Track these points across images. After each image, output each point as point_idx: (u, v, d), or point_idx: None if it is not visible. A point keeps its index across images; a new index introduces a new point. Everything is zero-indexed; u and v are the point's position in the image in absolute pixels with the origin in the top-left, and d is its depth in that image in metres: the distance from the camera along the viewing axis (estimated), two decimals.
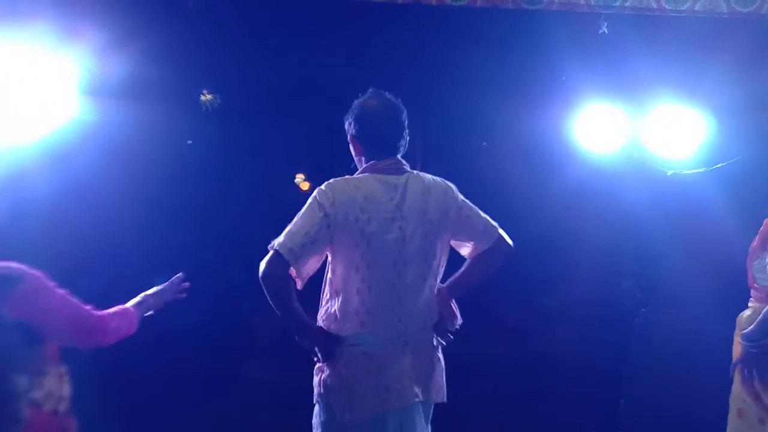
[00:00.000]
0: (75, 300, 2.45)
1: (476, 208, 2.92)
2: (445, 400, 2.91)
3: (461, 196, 2.91)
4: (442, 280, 2.95)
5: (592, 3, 3.74)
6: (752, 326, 3.10)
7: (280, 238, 2.68)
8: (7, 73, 3.52)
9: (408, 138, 2.89)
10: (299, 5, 4.17)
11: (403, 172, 2.83)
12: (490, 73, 4.54)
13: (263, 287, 2.69)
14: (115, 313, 2.64)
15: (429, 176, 2.89)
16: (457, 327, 2.94)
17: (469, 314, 3.00)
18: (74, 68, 3.75)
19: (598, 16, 3.92)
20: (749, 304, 3.28)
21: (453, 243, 2.94)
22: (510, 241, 2.95)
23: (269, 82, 4.71)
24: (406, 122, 2.87)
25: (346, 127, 2.92)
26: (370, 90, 2.90)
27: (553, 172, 4.98)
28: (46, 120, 3.66)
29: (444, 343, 2.92)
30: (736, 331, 3.31)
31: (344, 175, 2.88)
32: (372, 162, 2.83)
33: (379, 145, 2.84)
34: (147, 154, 4.50)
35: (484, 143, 5.53)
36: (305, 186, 5.73)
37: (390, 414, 2.73)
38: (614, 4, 3.76)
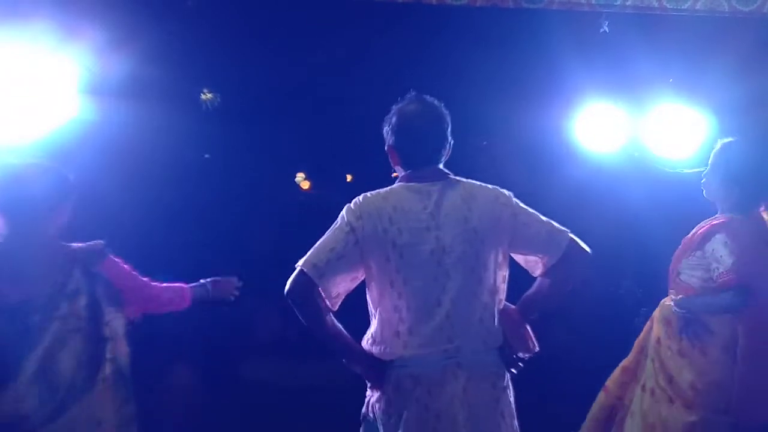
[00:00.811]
0: (135, 272, 3.01)
1: (537, 214, 2.62)
2: None
3: (517, 202, 2.63)
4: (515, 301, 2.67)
5: (593, 2, 3.74)
6: (695, 296, 3.23)
7: (306, 256, 2.53)
8: (7, 73, 3.52)
9: (451, 145, 2.68)
10: (299, 5, 4.17)
11: (441, 178, 2.60)
12: (490, 73, 4.54)
13: (293, 307, 2.55)
14: (169, 287, 3.18)
15: (476, 182, 2.64)
16: (531, 354, 2.64)
17: None
18: (74, 68, 3.75)
19: (599, 15, 3.92)
20: (671, 295, 3.37)
21: (521, 260, 2.67)
22: (586, 248, 2.63)
23: (269, 82, 4.71)
24: (449, 128, 2.66)
25: (384, 135, 2.70)
26: (410, 94, 2.69)
27: (554, 172, 4.98)
28: (46, 119, 3.66)
29: (514, 371, 2.63)
30: (656, 315, 3.42)
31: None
32: (408, 172, 2.63)
33: (417, 155, 2.62)
34: (147, 154, 4.49)
35: (485, 143, 5.53)
36: (305, 185, 5.73)
37: None
38: (615, 3, 3.76)
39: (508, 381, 2.62)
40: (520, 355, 2.62)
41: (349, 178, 6.15)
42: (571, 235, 2.62)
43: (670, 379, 3.27)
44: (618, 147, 4.85)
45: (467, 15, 3.99)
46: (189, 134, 4.68)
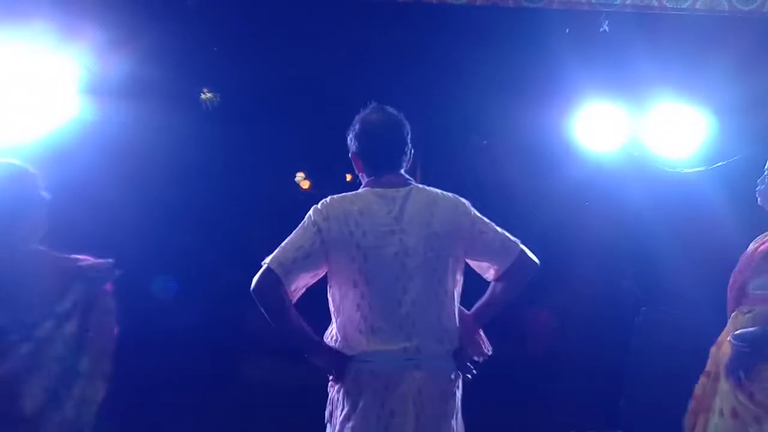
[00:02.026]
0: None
1: (493, 224, 2.76)
2: None
3: (475, 212, 2.76)
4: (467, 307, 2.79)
5: (593, 1, 3.74)
6: (752, 329, 2.99)
7: (273, 254, 2.62)
8: (8, 73, 3.52)
9: (412, 152, 2.80)
10: (299, 5, 4.17)
11: (404, 185, 2.72)
12: (490, 72, 4.54)
13: (257, 303, 2.62)
14: None
15: (438, 190, 2.76)
16: (484, 358, 2.77)
17: None
18: (74, 67, 3.75)
19: (599, 14, 3.92)
20: (744, 309, 3.13)
21: (473, 264, 2.79)
22: (534, 258, 2.77)
23: (269, 82, 4.71)
24: (409, 136, 2.78)
25: (348, 143, 2.83)
26: (371, 104, 2.81)
27: (554, 171, 4.98)
28: (46, 119, 3.66)
29: (467, 375, 2.74)
30: (730, 328, 3.16)
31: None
32: (372, 178, 2.75)
33: (379, 161, 2.75)
34: (147, 154, 4.49)
35: (485, 142, 5.53)
36: (305, 184, 5.73)
37: None
38: (615, 3, 3.76)
39: (459, 384, 2.72)
40: (475, 358, 2.75)
41: (348, 178, 6.15)
42: (522, 246, 2.76)
43: (751, 395, 3.00)
44: (618, 147, 4.85)
45: (467, 14, 3.99)
46: (189, 134, 4.68)
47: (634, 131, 4.80)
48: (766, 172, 3.21)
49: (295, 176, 5.83)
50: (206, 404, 4.73)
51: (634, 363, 5.07)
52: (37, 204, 2.67)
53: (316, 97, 4.93)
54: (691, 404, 3.34)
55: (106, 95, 4.11)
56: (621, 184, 4.98)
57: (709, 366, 3.25)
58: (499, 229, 2.76)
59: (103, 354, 2.63)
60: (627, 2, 3.75)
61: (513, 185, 5.02)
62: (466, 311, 2.78)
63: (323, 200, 2.72)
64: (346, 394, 2.64)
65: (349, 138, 2.82)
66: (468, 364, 2.74)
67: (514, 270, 2.74)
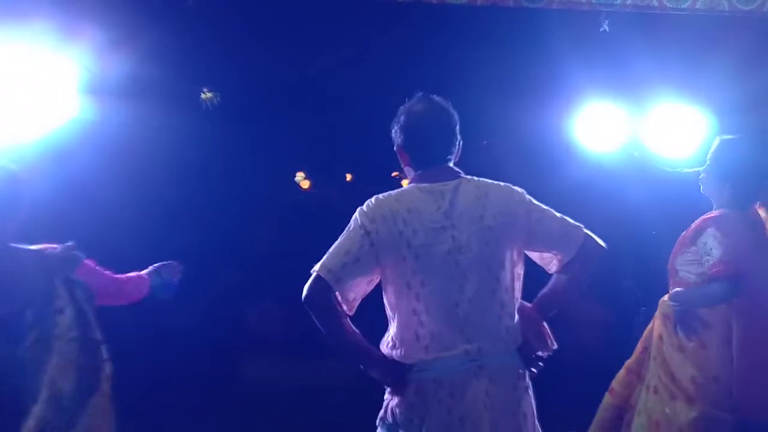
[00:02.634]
0: (100, 268, 2.98)
1: (551, 210, 2.60)
2: None
3: (531, 199, 2.60)
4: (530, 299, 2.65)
5: (593, 1, 3.74)
6: (687, 290, 3.27)
7: (321, 260, 2.48)
8: (8, 73, 3.52)
9: (461, 143, 2.64)
10: (299, 5, 4.17)
11: (453, 178, 2.57)
12: (490, 72, 4.53)
13: (310, 313, 2.49)
14: (130, 278, 3.15)
15: (489, 180, 2.61)
16: (550, 353, 2.62)
17: None
18: (74, 67, 3.75)
19: (599, 14, 3.92)
20: (669, 291, 3.40)
21: (535, 257, 2.65)
22: (601, 243, 2.63)
23: (269, 82, 4.71)
24: (458, 126, 2.62)
25: (392, 136, 2.66)
26: (417, 94, 2.66)
27: (554, 171, 4.98)
28: (46, 119, 3.66)
29: (533, 370, 2.59)
30: (657, 314, 3.44)
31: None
32: (419, 172, 2.60)
33: (426, 154, 2.59)
34: (147, 154, 4.49)
35: (485, 142, 5.53)
36: (305, 184, 5.72)
37: None
38: (615, 2, 3.76)
39: (528, 381, 2.58)
40: (540, 353, 2.60)
41: (348, 177, 6.15)
42: (586, 231, 2.62)
43: (672, 376, 3.28)
44: (618, 146, 4.84)
45: (467, 14, 3.99)
46: (189, 134, 4.68)
47: (634, 131, 4.80)
48: (707, 163, 3.40)
49: (295, 176, 5.83)
50: (206, 404, 4.73)
51: None
52: (24, 205, 2.78)
53: (316, 97, 4.93)
54: (623, 375, 3.57)
55: (106, 95, 4.11)
56: (621, 184, 4.98)
57: (644, 341, 3.53)
58: (558, 215, 2.60)
59: (95, 338, 2.77)
60: (627, 2, 3.75)
61: (513, 185, 5.01)
62: (527, 304, 2.63)
63: (368, 201, 2.55)
64: (409, 406, 2.48)
65: (393, 130, 2.66)
66: (533, 359, 2.58)
67: (580, 259, 2.59)
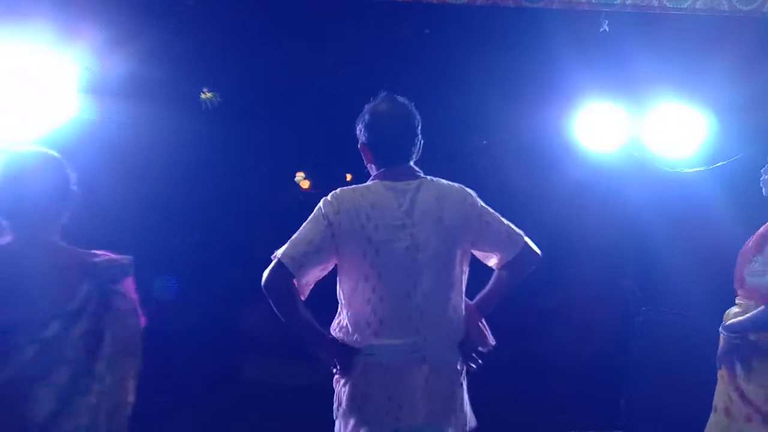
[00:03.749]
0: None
1: (498, 215, 2.77)
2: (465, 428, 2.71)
3: (482, 203, 2.76)
4: (469, 298, 2.80)
5: (593, 1, 3.74)
6: (739, 318, 3.12)
7: (283, 247, 2.59)
8: (7, 73, 3.52)
9: (421, 143, 2.76)
10: (299, 5, 4.17)
11: (414, 177, 2.70)
12: (490, 72, 4.54)
13: (267, 297, 2.60)
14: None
15: (446, 182, 2.75)
16: (488, 349, 2.75)
17: None
18: (74, 67, 3.75)
19: (599, 14, 3.92)
20: (737, 302, 3.27)
21: (477, 254, 2.80)
22: (537, 249, 2.80)
23: (269, 82, 4.71)
24: (419, 127, 2.74)
25: (357, 133, 2.79)
26: (381, 94, 2.77)
27: (554, 171, 4.98)
28: (45, 119, 3.65)
29: (472, 365, 2.74)
30: (722, 328, 3.28)
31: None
32: (382, 170, 2.71)
33: (389, 152, 2.71)
34: (147, 154, 4.49)
35: (485, 142, 5.53)
36: (305, 184, 5.73)
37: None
38: (615, 2, 3.76)
39: (464, 375, 2.73)
40: (480, 349, 2.74)
41: (349, 177, 6.15)
42: (526, 238, 2.79)
43: (742, 394, 3.11)
44: (618, 146, 4.85)
45: (467, 14, 3.99)
46: (189, 134, 4.68)
47: (634, 131, 4.80)
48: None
49: (295, 176, 5.83)
50: (206, 404, 4.73)
51: (634, 363, 5.07)
52: (66, 197, 2.53)
53: (316, 97, 4.93)
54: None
55: (106, 95, 4.10)
56: (621, 184, 4.98)
57: None
58: (504, 220, 2.77)
59: (124, 355, 2.44)
60: (627, 2, 3.75)
61: (513, 185, 5.02)
62: (468, 301, 2.77)
63: (333, 192, 2.67)
64: (354, 387, 2.63)
65: (358, 128, 2.78)
66: (473, 354, 2.73)
67: (518, 261, 2.77)
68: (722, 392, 3.21)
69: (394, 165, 2.70)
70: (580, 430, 4.95)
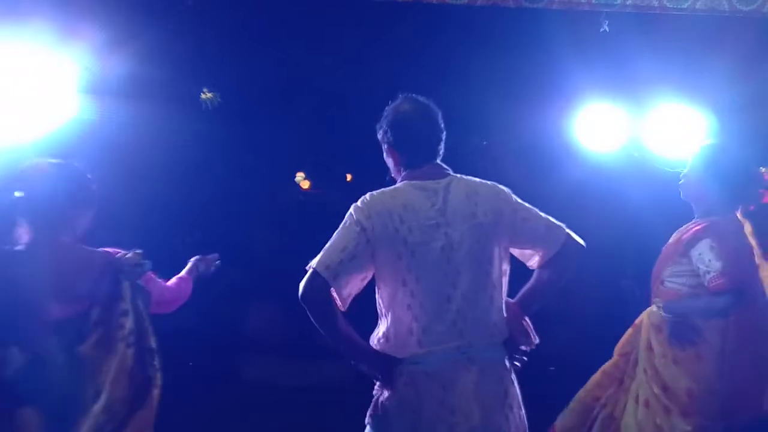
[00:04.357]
0: (157, 278, 2.99)
1: (535, 209, 2.68)
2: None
3: (516, 198, 2.68)
4: (512, 296, 2.71)
5: (593, 1, 3.74)
6: (682, 301, 3.27)
7: (317, 257, 2.51)
8: (7, 73, 3.52)
9: (444, 140, 2.72)
10: (299, 5, 4.17)
11: (443, 175, 2.64)
12: (490, 72, 4.54)
13: (306, 309, 2.51)
14: (179, 283, 3.17)
15: (477, 179, 2.68)
16: (533, 346, 2.68)
17: None
18: (74, 67, 3.75)
19: (599, 14, 3.92)
20: (656, 303, 3.41)
21: (516, 253, 2.71)
22: (581, 241, 2.69)
23: (269, 82, 4.71)
24: (443, 124, 2.70)
25: (379, 136, 2.72)
26: (401, 95, 2.72)
27: (554, 171, 4.98)
28: (45, 119, 3.66)
29: (518, 364, 2.66)
30: (643, 323, 3.46)
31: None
32: (410, 170, 2.64)
33: (416, 151, 2.65)
34: (147, 153, 4.49)
35: (485, 142, 5.53)
36: (305, 184, 5.73)
37: None
38: (615, 3, 3.76)
39: (513, 374, 2.65)
40: (523, 348, 2.66)
41: (349, 177, 6.15)
42: (568, 230, 2.68)
43: (665, 388, 3.25)
44: (618, 146, 4.84)
45: (467, 15, 3.99)
46: (189, 134, 4.68)
47: (634, 131, 4.80)
48: (690, 167, 3.43)
49: (295, 176, 5.83)
50: (206, 404, 4.73)
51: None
52: (83, 204, 2.78)
53: (316, 97, 4.93)
54: (597, 377, 3.58)
55: (106, 95, 4.10)
56: (621, 184, 4.98)
57: (624, 347, 3.53)
58: (542, 214, 2.68)
59: (146, 345, 2.75)
60: (627, 2, 3.75)
61: (513, 186, 4.99)
62: (511, 300, 2.69)
63: (362, 197, 2.61)
64: (400, 398, 2.53)
65: (380, 131, 2.71)
66: (518, 354, 2.65)
67: (561, 256, 2.66)
68: (643, 383, 3.33)
69: (423, 163, 2.64)
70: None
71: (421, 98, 2.71)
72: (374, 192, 2.62)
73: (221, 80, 4.56)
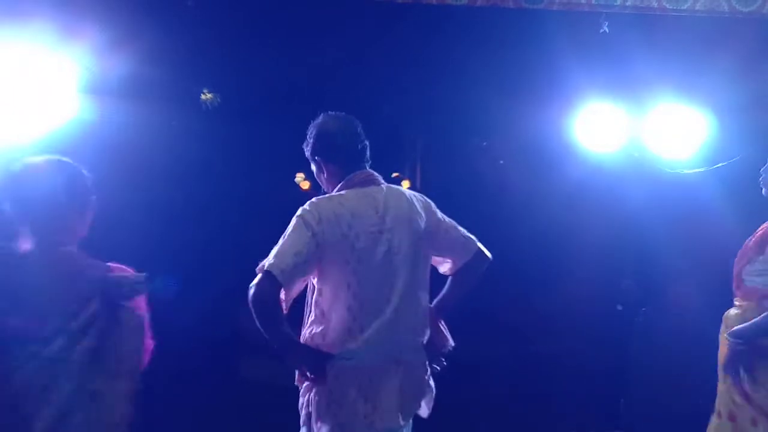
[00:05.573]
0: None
1: (454, 222, 2.88)
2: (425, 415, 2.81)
3: (439, 211, 2.88)
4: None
5: (593, 2, 3.74)
6: (745, 324, 3.05)
7: (270, 259, 2.57)
8: (7, 73, 3.52)
9: (368, 149, 2.86)
10: (299, 5, 4.17)
11: (378, 184, 2.79)
12: (490, 73, 4.53)
13: (253, 310, 2.57)
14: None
15: (405, 189, 2.86)
16: (449, 349, 2.87)
17: (469, 314, 2.98)
18: (74, 67, 3.75)
19: (598, 15, 3.92)
20: (735, 303, 3.22)
21: (433, 259, 2.88)
22: (488, 253, 2.91)
23: (269, 82, 4.71)
24: (363, 134, 2.84)
25: (307, 153, 2.86)
26: (321, 113, 2.87)
27: (554, 172, 4.98)
28: (45, 119, 3.66)
29: (437, 367, 2.84)
30: (722, 329, 3.23)
31: None
32: (347, 178, 2.76)
33: (350, 158, 2.79)
34: (147, 154, 4.49)
35: (485, 143, 5.53)
36: (305, 185, 5.72)
37: None
38: (615, 4, 3.77)
39: (429, 374, 2.80)
40: (443, 350, 2.85)
41: None
42: (479, 243, 2.90)
43: (747, 397, 3.04)
44: (618, 147, 4.84)
45: (467, 15, 3.99)
46: (189, 134, 4.68)
47: (634, 131, 4.80)
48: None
49: (295, 176, 5.82)
50: (206, 404, 4.73)
51: (634, 363, 5.07)
52: (83, 205, 2.54)
53: (316, 98, 4.92)
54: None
55: (106, 95, 4.10)
56: (621, 184, 4.98)
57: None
58: (459, 227, 2.88)
59: (126, 374, 2.43)
60: (627, 3, 3.75)
61: (513, 186, 5.02)
62: (428, 305, 2.84)
63: (310, 201, 2.70)
64: (328, 392, 2.64)
65: (308, 150, 2.84)
66: (437, 357, 2.83)
67: (471, 265, 2.88)
68: (725, 396, 3.13)
69: (356, 169, 2.77)
70: (580, 430, 4.95)
71: (337, 113, 2.85)
72: (322, 197, 2.74)
73: (221, 80, 4.55)
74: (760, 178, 3.29)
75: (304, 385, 2.74)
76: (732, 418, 3.09)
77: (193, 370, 4.81)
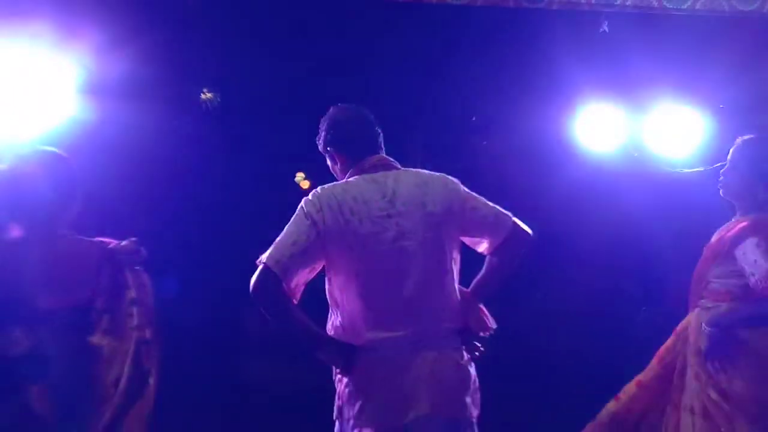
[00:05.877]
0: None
1: (483, 198, 2.74)
2: (472, 417, 2.67)
3: (465, 188, 2.73)
4: (465, 285, 2.76)
5: (593, 2, 3.74)
6: (720, 312, 3.04)
7: (267, 252, 2.56)
8: (7, 72, 3.52)
9: (382, 136, 2.81)
10: (299, 5, 4.17)
11: (392, 168, 2.72)
12: (490, 73, 4.54)
13: (256, 304, 2.57)
14: None
15: (425, 171, 2.76)
16: (490, 333, 2.72)
17: None
18: (74, 67, 3.75)
19: (598, 14, 3.92)
20: (705, 305, 3.15)
21: (466, 240, 2.76)
22: (527, 229, 2.75)
23: (269, 82, 4.71)
24: (376, 123, 2.81)
25: (321, 146, 2.84)
26: (331, 108, 2.86)
27: (553, 171, 4.98)
28: (44, 119, 3.66)
29: (475, 352, 2.70)
30: (693, 323, 3.20)
31: None
32: (358, 164, 2.72)
33: (360, 144, 2.75)
34: (147, 154, 4.49)
35: (484, 143, 5.53)
36: (305, 184, 5.72)
37: (409, 426, 2.53)
38: (615, 3, 3.77)
39: (468, 359, 2.69)
40: (481, 335, 2.71)
41: None
42: (515, 219, 2.74)
43: (724, 394, 3.01)
44: (617, 146, 4.85)
45: (467, 15, 3.99)
46: (189, 134, 4.68)
47: (633, 131, 4.80)
48: (726, 165, 3.25)
49: (295, 176, 5.82)
50: (206, 404, 4.73)
51: (634, 363, 5.07)
52: (77, 192, 2.76)
53: (316, 97, 4.91)
54: (633, 390, 3.33)
55: (106, 95, 4.10)
56: (621, 184, 4.98)
57: (665, 356, 3.28)
58: (490, 203, 2.74)
59: (137, 329, 2.70)
60: (627, 2, 3.75)
61: (513, 185, 5.01)
62: (464, 289, 2.74)
63: (314, 191, 2.67)
64: (356, 385, 2.58)
65: (320, 140, 2.83)
66: (474, 341, 2.69)
67: (508, 243, 2.71)
68: (698, 392, 3.10)
69: (367, 155, 2.73)
70: (580, 430, 4.94)
71: (348, 105, 2.84)
72: (325, 185, 2.69)
73: (221, 80, 4.56)
74: (720, 179, 3.27)
75: (337, 376, 2.68)
76: (705, 415, 3.06)
77: (194, 369, 4.81)
